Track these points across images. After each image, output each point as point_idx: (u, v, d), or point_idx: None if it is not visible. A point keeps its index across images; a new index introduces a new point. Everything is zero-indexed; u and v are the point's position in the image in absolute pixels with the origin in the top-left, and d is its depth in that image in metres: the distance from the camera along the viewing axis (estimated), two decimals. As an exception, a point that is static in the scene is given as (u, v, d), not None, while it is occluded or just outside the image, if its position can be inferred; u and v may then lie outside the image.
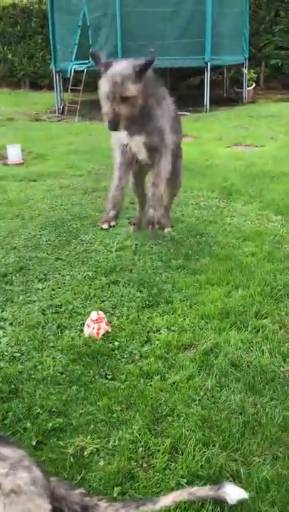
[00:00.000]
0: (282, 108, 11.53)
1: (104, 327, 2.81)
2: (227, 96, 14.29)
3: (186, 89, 16.11)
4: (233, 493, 1.69)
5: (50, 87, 15.72)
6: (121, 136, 3.35)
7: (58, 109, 12.88)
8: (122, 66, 3.08)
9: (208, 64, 11.59)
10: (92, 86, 16.46)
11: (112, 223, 3.45)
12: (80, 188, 5.65)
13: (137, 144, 3.39)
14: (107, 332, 2.81)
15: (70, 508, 1.68)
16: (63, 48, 12.34)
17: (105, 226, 3.47)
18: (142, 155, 3.49)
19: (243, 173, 5.97)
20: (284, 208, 4.75)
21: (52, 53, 13.00)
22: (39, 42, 16.86)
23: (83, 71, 11.67)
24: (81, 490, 1.77)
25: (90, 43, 11.27)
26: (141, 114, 3.13)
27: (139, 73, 2.98)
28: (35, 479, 1.58)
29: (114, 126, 3.03)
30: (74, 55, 11.48)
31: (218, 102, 12.71)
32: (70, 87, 12.13)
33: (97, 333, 2.77)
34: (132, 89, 2.96)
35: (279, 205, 4.81)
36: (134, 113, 3.05)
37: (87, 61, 11.39)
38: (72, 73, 11.63)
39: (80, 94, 11.97)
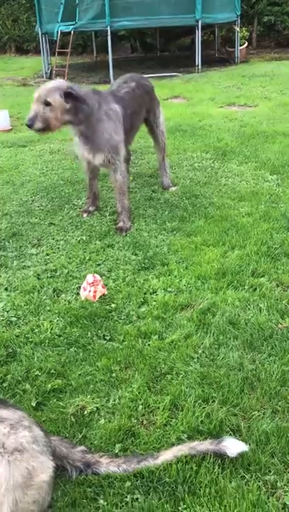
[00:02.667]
0: (275, 67, 11.26)
1: (100, 290, 2.78)
2: (219, 56, 13.92)
3: (177, 49, 15.70)
4: (233, 446, 1.70)
5: (36, 51, 15.26)
6: (76, 149, 3.62)
7: (46, 73, 12.51)
8: (60, 82, 3.36)
9: (199, 22, 11.22)
10: (81, 48, 16.02)
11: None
12: (70, 152, 5.53)
13: (92, 158, 3.53)
14: (104, 295, 2.79)
15: (73, 465, 1.70)
16: (49, 8, 11.87)
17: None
18: (98, 163, 3.60)
19: (237, 134, 5.86)
20: (279, 167, 4.68)
21: (37, 15, 12.52)
22: (23, 3, 16.28)
23: (70, 32, 11.28)
24: (82, 447, 1.78)
25: (77, 2, 10.84)
26: (92, 132, 3.40)
27: (69, 94, 3.19)
28: (37, 438, 1.58)
29: (31, 122, 3.21)
30: (60, 16, 11.06)
31: (209, 62, 12.39)
32: (57, 50, 11.74)
33: (94, 296, 2.75)
34: (57, 99, 3.16)
35: (274, 165, 4.73)
36: (52, 121, 3.21)
37: (73, 22, 11.00)
38: (58, 35, 11.24)
39: (68, 57, 11.60)
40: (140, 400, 2.05)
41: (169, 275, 3.00)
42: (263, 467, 1.74)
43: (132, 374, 2.20)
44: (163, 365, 2.25)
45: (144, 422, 1.96)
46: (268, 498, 1.64)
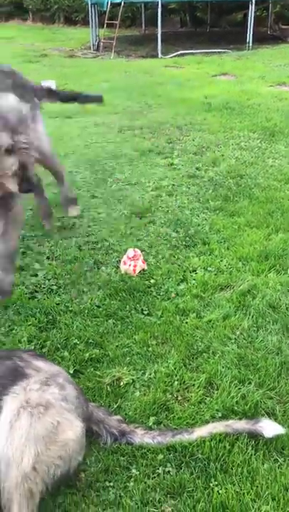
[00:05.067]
0: None
1: (140, 265, 2.78)
2: (271, 33, 13.45)
3: (228, 25, 15.25)
4: (270, 428, 1.69)
5: (85, 22, 15.14)
6: None
7: (93, 45, 12.41)
8: None
9: (254, -3, 10.83)
10: (129, 21, 15.82)
11: None
12: (115, 125, 5.50)
13: None
14: (143, 270, 2.79)
15: (108, 431, 1.72)
16: (100, -22, 11.71)
17: None
18: None
19: (287, 114, 5.68)
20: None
21: (88, -16, 12.38)
22: (74, -27, 16.11)
23: (120, 4, 11.11)
24: (118, 417, 1.80)
25: (128, -28, 10.64)
26: None
27: None
28: (67, 396, 1.60)
29: None
30: (111, -14, 10.90)
31: (261, 39, 11.99)
32: (105, 22, 11.61)
33: (134, 270, 2.75)
34: None
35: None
36: None
37: (124, -7, 10.82)
38: (108, 6, 11.09)
39: (117, 29, 11.46)
40: (176, 375, 2.05)
41: (209, 254, 2.96)
42: (298, 452, 1.72)
43: (169, 349, 2.20)
44: (200, 344, 2.24)
45: (179, 398, 1.96)
46: (302, 483, 1.63)
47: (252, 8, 10.99)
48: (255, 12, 11.51)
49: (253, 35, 11.26)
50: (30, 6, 17.23)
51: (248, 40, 11.26)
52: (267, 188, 3.83)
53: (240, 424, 1.72)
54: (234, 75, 8.12)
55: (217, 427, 1.72)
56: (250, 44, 11.26)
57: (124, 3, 11.23)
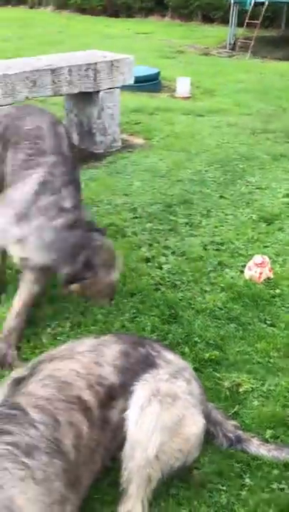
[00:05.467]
0: None
1: (266, 273, 2.72)
2: None
3: None
4: None
5: (222, 21, 15.02)
6: None
7: (230, 44, 12.28)
8: None
9: None
10: (270, 21, 15.35)
11: None
12: (247, 127, 5.41)
13: None
14: (269, 278, 2.72)
15: (225, 434, 1.72)
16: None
17: None
18: None
19: None
20: None
21: (232, -17, 12.25)
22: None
23: (263, 3, 10.86)
24: (235, 423, 1.79)
25: None
26: None
27: None
28: (193, 391, 1.63)
29: None
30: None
31: None
32: (246, 21, 11.42)
33: (259, 277, 2.70)
34: None
35: None
36: None
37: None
38: (251, 5, 10.89)
39: (257, 29, 11.23)
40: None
41: None
42: None
43: (291, 364, 2.13)
44: None
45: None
46: None
47: None
48: None
49: None
50: (171, 3, 17.49)
51: None
52: None
53: None
54: None
55: None
56: None
57: (269, 2, 10.95)
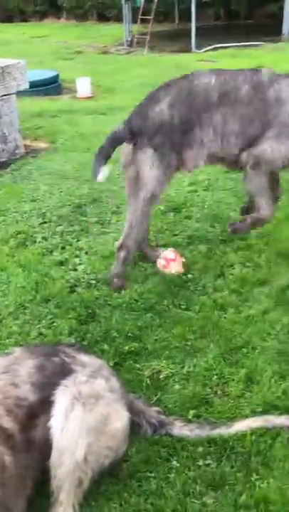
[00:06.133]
0: None
1: (178, 268, 2.75)
2: (308, 24, 13.13)
3: (262, 17, 14.99)
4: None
5: (117, 18, 15.16)
6: None
7: (127, 41, 12.44)
8: None
9: (290, -13, 10.61)
10: (162, 16, 15.68)
11: None
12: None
13: None
14: (180, 272, 2.75)
15: (148, 421, 1.75)
16: (133, -27, 11.73)
17: None
18: None
19: None
20: None
21: (121, -20, 12.41)
22: None
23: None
24: (158, 408, 1.83)
25: None
26: None
27: None
28: (113, 387, 1.64)
29: None
30: (144, -18, 10.90)
31: (297, 30, 11.72)
32: (139, 17, 11.62)
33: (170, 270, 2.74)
34: None
35: None
36: None
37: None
38: (142, 2, 11.09)
39: (150, 24, 11.45)
40: (215, 370, 2.06)
41: (247, 250, 2.95)
42: None
43: (207, 344, 2.21)
44: (239, 339, 2.24)
45: (218, 392, 1.97)
46: None
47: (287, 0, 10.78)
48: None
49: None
50: (64, 4, 17.39)
51: (283, 32, 11.06)
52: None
53: (281, 420, 1.72)
54: (270, 68, 7.98)
55: (257, 422, 1.72)
56: (287, 36, 11.05)
57: (158, -2, 11.22)
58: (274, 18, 12.54)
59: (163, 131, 2.53)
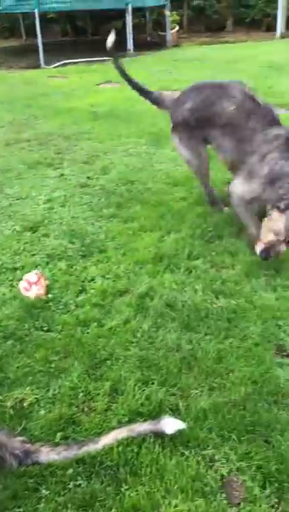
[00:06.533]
0: (206, 51, 11.42)
1: (39, 292, 2.69)
2: (150, 40, 13.91)
3: (108, 33, 15.50)
4: (171, 424, 1.75)
5: None
6: None
7: (-28, 57, 11.97)
8: None
9: (129, 6, 11.13)
10: (7, 32, 15.35)
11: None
12: (1, 139, 5.36)
13: None
14: (41, 295, 2.69)
15: (12, 453, 1.68)
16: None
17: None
18: None
19: (170, 119, 5.90)
20: (212, 151, 4.76)
21: None
22: None
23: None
24: (22, 438, 1.77)
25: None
26: None
27: None
28: None
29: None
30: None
31: (141, 46, 12.33)
32: (-17, 33, 11.26)
33: (33, 294, 2.67)
34: None
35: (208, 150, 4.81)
36: None
37: (-1, 3, 10.57)
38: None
39: (-5, 40, 11.15)
40: (80, 387, 2.05)
41: (106, 262, 3.00)
42: (202, 443, 1.81)
43: (72, 363, 2.19)
44: (102, 352, 2.26)
45: (85, 409, 1.97)
46: (207, 471, 1.71)
47: (129, 17, 11.30)
48: (133, 20, 11.85)
49: (133, 42, 11.57)
50: None
51: (128, 48, 11.55)
52: (157, 192, 3.96)
53: (144, 427, 1.76)
54: (118, 82, 8.24)
55: (121, 433, 1.75)
56: (132, 51, 11.55)
57: (3, 14, 10.99)
58: (120, 34, 13.04)
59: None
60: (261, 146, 3.03)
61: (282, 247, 2.85)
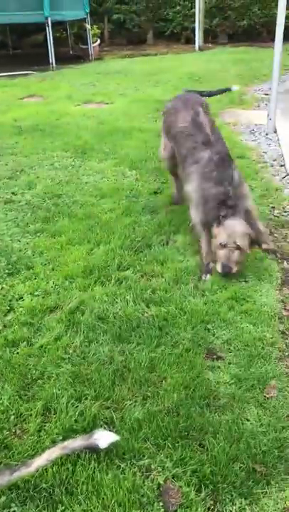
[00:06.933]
0: (128, 64, 11.60)
1: None
2: (73, 53, 13.92)
3: (30, 47, 15.36)
4: (104, 438, 1.74)
5: None
6: None
7: None
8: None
9: (49, 20, 11.10)
10: None
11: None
12: None
13: None
14: None
15: None
16: None
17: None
18: None
19: (96, 131, 5.93)
20: (137, 162, 4.84)
21: None
22: None
23: None
24: None
25: None
26: None
27: None
28: None
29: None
30: None
31: (64, 59, 12.31)
32: None
33: None
34: None
35: (132, 160, 4.88)
36: None
37: None
38: None
39: None
40: (11, 410, 1.99)
41: (35, 278, 2.95)
42: (137, 453, 1.81)
43: (1, 385, 2.13)
44: (34, 371, 2.21)
45: (17, 432, 1.91)
46: (143, 482, 1.71)
47: (49, 30, 11.26)
48: (54, 33, 11.81)
49: (55, 55, 11.52)
50: None
51: (50, 61, 11.49)
52: (84, 204, 3.95)
53: (77, 443, 1.74)
54: (41, 96, 8.20)
55: (54, 452, 1.71)
56: (54, 64, 11.49)
57: None
58: (42, 48, 12.94)
59: None
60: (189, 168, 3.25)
61: (237, 255, 2.92)
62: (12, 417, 1.96)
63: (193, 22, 13.78)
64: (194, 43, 13.94)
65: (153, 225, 3.55)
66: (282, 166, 4.81)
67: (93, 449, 1.76)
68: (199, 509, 1.62)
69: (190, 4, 14.27)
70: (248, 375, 2.18)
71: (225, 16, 14.43)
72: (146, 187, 4.27)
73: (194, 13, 13.61)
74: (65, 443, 1.74)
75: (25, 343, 2.39)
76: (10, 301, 2.73)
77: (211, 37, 14.94)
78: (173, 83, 8.69)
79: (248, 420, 1.96)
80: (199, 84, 8.51)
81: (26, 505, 1.63)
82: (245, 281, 2.90)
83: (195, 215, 3.19)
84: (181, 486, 1.70)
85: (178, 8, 14.64)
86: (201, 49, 13.73)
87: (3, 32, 14.96)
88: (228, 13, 14.34)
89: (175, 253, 3.20)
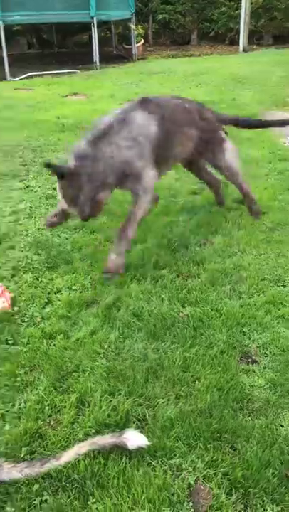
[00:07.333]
0: (172, 64, 11.60)
1: (3, 305, 2.66)
2: (116, 53, 14.03)
3: (75, 46, 15.58)
4: (133, 439, 1.74)
5: None
6: None
7: None
8: None
9: (94, 19, 11.23)
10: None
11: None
12: None
13: None
14: (7, 308, 2.66)
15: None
16: None
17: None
18: None
19: (136, 130, 5.94)
20: (177, 162, 4.82)
21: None
22: None
23: None
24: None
25: None
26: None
27: None
28: None
29: None
30: None
31: (107, 59, 12.44)
32: None
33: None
34: None
35: (172, 160, 4.86)
36: None
37: None
38: None
39: None
40: (46, 401, 2.03)
41: (73, 273, 2.99)
42: (169, 452, 1.81)
43: (38, 376, 2.17)
44: (69, 364, 2.24)
45: (52, 423, 1.94)
46: (174, 481, 1.71)
47: (94, 30, 11.38)
48: (99, 33, 11.95)
49: (99, 55, 11.65)
50: None
51: (95, 60, 11.63)
52: (123, 202, 3.97)
53: (106, 440, 1.75)
54: (85, 95, 8.30)
55: (84, 447, 1.73)
56: (98, 64, 11.62)
57: None
58: (86, 47, 13.11)
59: None
60: None
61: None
62: (47, 407, 2.00)
63: (238, 23, 13.65)
64: (238, 44, 13.80)
65: (191, 226, 3.54)
66: None
67: (122, 448, 1.76)
68: (229, 512, 1.61)
69: (236, 5, 14.13)
70: (283, 380, 2.15)
71: (271, 16, 14.22)
72: (186, 187, 4.26)
73: (239, 14, 13.47)
74: (95, 439, 1.75)
75: (62, 335, 2.43)
76: (48, 294, 2.78)
77: (256, 38, 14.77)
78: (216, 84, 8.63)
79: (282, 426, 1.93)
80: (241, 85, 8.42)
81: (58, 494, 1.65)
82: (284, 286, 2.86)
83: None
84: (211, 488, 1.69)
85: (223, 8, 14.52)
86: (245, 50, 13.57)
87: (48, 31, 15.23)
88: (274, 14, 14.12)
89: (212, 254, 3.18)
